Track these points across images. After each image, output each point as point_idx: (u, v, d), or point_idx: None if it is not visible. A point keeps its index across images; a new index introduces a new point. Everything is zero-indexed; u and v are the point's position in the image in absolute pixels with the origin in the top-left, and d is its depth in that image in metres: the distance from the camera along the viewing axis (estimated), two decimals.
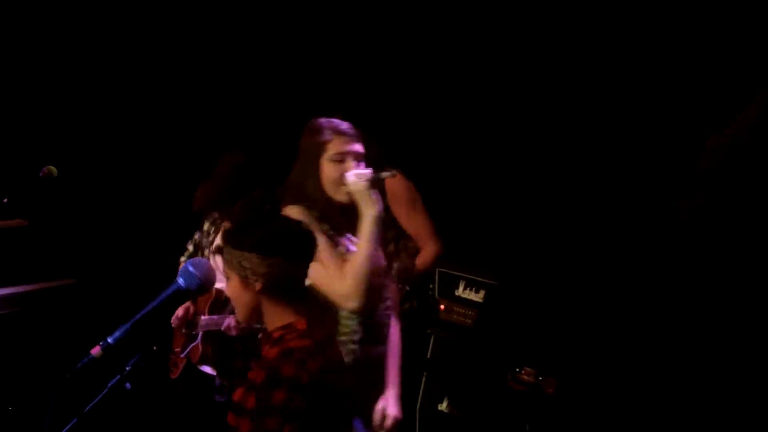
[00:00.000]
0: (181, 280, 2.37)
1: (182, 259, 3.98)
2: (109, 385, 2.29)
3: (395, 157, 3.90)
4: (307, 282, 2.78)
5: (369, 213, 2.89)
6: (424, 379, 4.09)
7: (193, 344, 3.80)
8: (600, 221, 4.27)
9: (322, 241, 2.89)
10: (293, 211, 2.96)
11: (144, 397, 3.61)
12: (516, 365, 3.93)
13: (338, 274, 2.91)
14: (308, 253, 2.44)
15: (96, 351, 2.31)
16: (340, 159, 2.99)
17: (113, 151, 5.29)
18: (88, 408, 2.26)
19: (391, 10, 4.74)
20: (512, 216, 4.44)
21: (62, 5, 5.28)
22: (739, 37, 3.90)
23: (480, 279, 4.15)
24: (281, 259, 2.34)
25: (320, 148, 3.01)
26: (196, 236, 3.97)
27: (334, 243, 2.96)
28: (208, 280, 2.41)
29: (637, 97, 4.15)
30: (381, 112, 4.42)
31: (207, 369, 3.83)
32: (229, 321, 3.65)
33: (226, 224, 3.71)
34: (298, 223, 2.51)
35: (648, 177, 4.11)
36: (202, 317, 3.76)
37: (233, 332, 3.66)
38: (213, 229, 3.91)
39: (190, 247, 3.98)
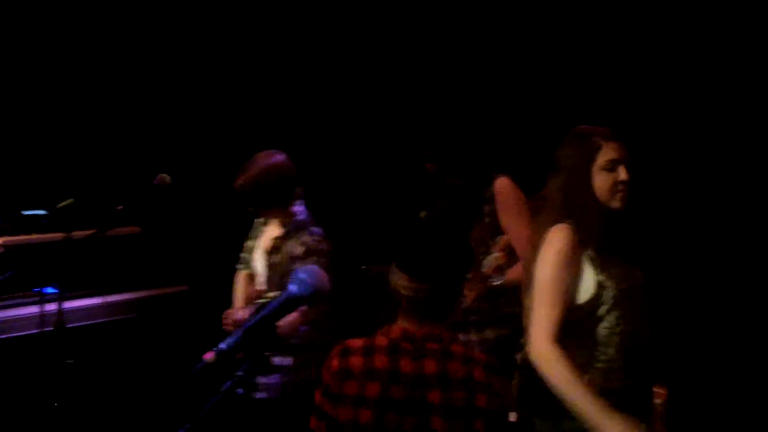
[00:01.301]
0: (293, 287, 2.35)
1: (239, 267, 3.99)
2: (222, 390, 2.28)
3: (505, 163, 3.84)
4: None
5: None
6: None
7: None
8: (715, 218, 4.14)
9: (553, 273, 2.88)
10: (561, 229, 2.92)
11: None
12: None
13: (544, 319, 2.87)
14: (403, 271, 2.38)
15: (209, 356, 2.30)
16: (612, 167, 2.93)
17: (225, 159, 5.36)
18: (201, 413, 2.25)
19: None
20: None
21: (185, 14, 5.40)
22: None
23: None
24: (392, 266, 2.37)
25: (590, 156, 2.95)
26: (248, 243, 3.99)
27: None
28: (321, 286, 2.38)
29: None
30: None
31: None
32: None
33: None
34: (428, 241, 2.41)
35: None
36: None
37: None
38: (255, 234, 3.94)
39: (245, 255, 3.99)
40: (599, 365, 2.91)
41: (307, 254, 3.61)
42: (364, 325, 4.91)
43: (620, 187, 2.93)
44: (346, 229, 5.30)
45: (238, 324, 3.73)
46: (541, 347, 2.86)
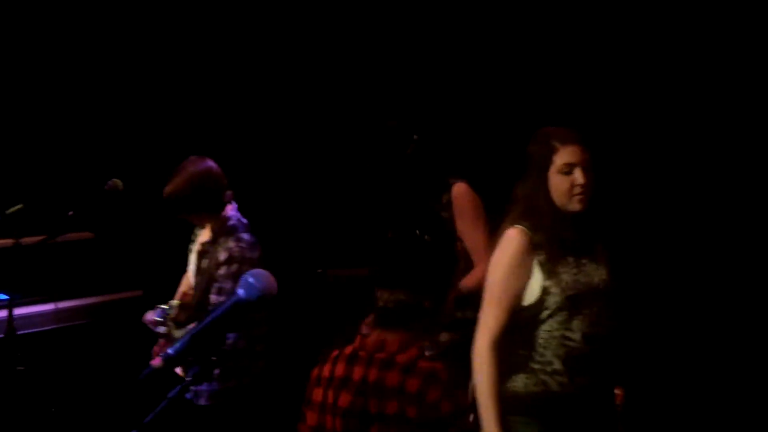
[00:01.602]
0: (241, 291, 2.34)
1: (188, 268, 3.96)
2: (169, 396, 2.27)
3: (464, 169, 3.85)
4: None
5: None
6: None
7: None
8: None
9: (502, 276, 2.94)
10: (514, 233, 2.96)
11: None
12: None
13: (490, 320, 2.94)
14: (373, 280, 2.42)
15: (157, 362, 2.29)
16: (568, 170, 2.93)
17: (176, 164, 5.35)
18: (148, 418, 2.24)
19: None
20: None
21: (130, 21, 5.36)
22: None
23: None
24: None
25: (547, 159, 2.96)
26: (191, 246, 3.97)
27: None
28: (269, 290, 2.37)
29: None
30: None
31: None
32: None
33: None
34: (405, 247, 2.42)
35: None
36: None
37: None
38: (193, 237, 3.92)
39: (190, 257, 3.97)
40: (536, 366, 2.95)
41: (229, 261, 3.58)
42: (320, 328, 4.93)
43: (577, 190, 2.94)
44: (303, 232, 5.29)
45: (149, 325, 3.74)
46: (481, 347, 2.95)
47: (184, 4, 5.38)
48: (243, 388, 3.63)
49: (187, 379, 2.30)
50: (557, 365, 2.93)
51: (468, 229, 3.75)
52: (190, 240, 3.97)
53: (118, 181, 4.07)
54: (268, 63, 5.34)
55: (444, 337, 3.72)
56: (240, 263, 3.55)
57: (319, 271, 5.02)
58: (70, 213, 4.05)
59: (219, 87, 5.37)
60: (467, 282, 3.68)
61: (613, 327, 3.01)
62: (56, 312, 4.53)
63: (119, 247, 5.20)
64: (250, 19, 5.31)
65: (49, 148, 5.30)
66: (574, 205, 2.96)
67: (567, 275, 2.95)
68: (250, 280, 2.36)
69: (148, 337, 4.51)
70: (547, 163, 2.97)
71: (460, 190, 3.77)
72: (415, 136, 3.78)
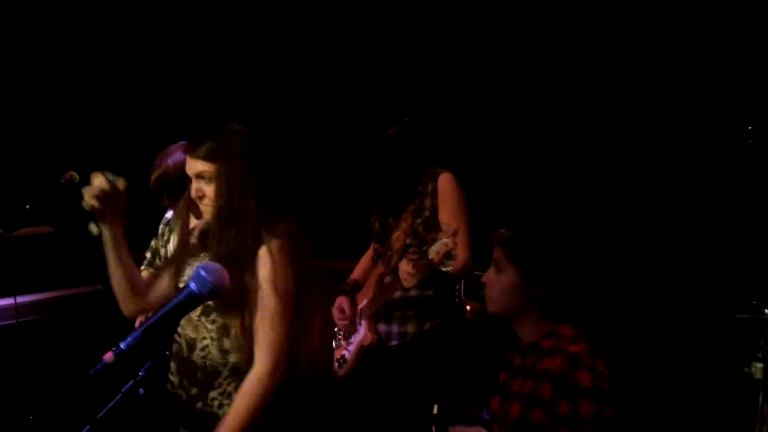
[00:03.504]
0: (193, 285, 2.34)
1: (142, 268, 3.91)
2: (123, 390, 2.26)
3: (450, 159, 3.87)
4: None
5: None
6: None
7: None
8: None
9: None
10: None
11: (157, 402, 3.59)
12: None
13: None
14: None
15: (109, 357, 2.29)
16: (190, 179, 2.89)
17: (133, 156, 5.31)
18: (101, 414, 2.23)
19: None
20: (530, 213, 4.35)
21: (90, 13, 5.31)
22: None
23: None
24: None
25: None
26: (153, 243, 3.93)
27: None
28: (221, 284, 2.38)
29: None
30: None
31: None
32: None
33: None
34: None
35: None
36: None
37: None
38: (167, 230, 3.87)
39: (148, 255, 3.93)
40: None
41: None
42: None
43: (197, 200, 2.90)
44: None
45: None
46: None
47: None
48: None
49: (140, 374, 2.30)
50: (174, 364, 2.98)
51: (446, 216, 3.76)
52: (155, 228, 3.93)
53: (74, 174, 4.02)
54: (236, 52, 5.30)
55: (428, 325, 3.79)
56: None
57: None
58: (27, 207, 4.00)
59: (175, 77, 5.33)
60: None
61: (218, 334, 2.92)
62: (15, 307, 4.48)
63: (78, 241, 5.15)
64: (210, 9, 5.28)
65: (3, 142, 5.24)
66: (205, 213, 2.91)
67: (184, 266, 2.99)
68: (203, 273, 2.36)
69: (109, 331, 4.49)
70: None
71: (446, 179, 3.79)
72: (405, 118, 3.79)
